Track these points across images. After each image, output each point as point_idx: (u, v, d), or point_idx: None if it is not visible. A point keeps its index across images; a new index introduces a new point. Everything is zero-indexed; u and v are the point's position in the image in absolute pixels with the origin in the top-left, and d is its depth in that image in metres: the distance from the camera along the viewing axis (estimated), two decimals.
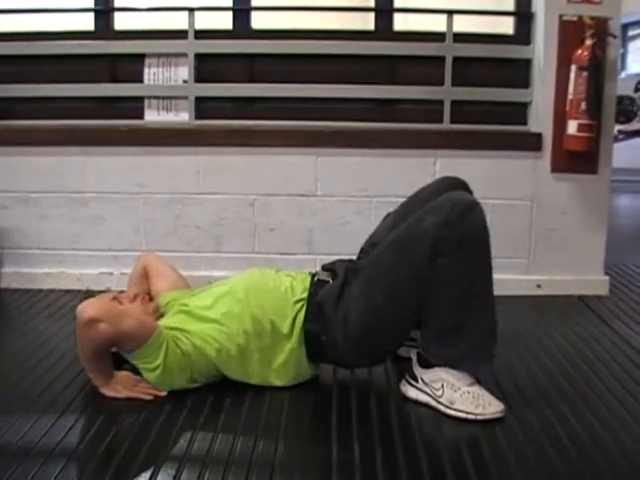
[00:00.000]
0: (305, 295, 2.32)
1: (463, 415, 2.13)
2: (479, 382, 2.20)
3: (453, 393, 2.16)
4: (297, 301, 2.31)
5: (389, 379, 2.43)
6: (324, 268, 2.46)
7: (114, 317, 2.14)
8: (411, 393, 2.26)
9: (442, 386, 2.17)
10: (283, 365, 2.30)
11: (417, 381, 2.25)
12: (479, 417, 2.11)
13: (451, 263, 2.09)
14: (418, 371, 2.25)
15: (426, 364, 2.23)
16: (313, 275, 2.41)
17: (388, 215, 2.56)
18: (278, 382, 2.32)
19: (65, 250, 3.47)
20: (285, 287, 2.35)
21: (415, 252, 2.14)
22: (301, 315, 2.28)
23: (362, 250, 2.53)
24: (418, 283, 2.15)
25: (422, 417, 2.17)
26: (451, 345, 2.17)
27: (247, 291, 2.34)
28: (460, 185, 2.45)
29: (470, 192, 2.43)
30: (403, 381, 2.30)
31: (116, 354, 2.26)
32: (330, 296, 2.28)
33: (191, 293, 2.52)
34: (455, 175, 2.55)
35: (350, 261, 2.46)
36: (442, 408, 2.16)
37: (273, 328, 2.27)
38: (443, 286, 2.12)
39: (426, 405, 2.21)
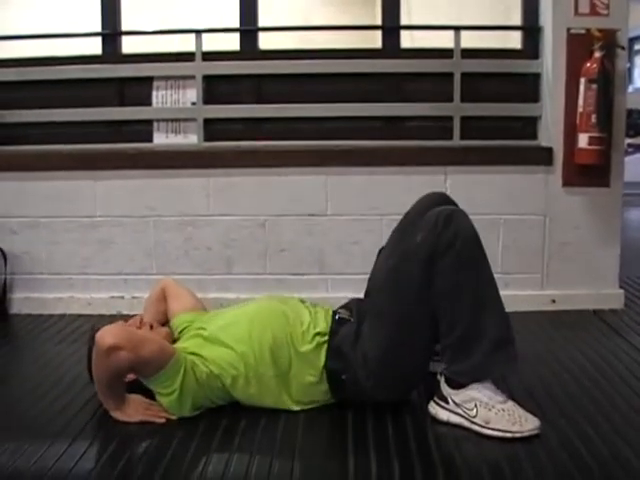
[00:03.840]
0: (326, 330, 2.31)
1: (500, 434, 2.08)
2: (512, 398, 2.16)
3: (488, 412, 2.11)
4: (318, 334, 2.29)
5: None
6: (342, 307, 2.45)
7: (134, 343, 2.12)
8: (442, 415, 2.21)
9: (475, 406, 2.13)
10: (302, 393, 2.28)
11: (448, 402, 2.20)
12: (517, 435, 2.07)
13: (448, 266, 2.11)
14: (447, 392, 2.20)
15: (455, 384, 2.18)
16: (334, 312, 2.40)
17: (382, 249, 2.54)
18: (295, 407, 2.30)
19: (75, 275, 3.46)
20: (306, 317, 2.34)
21: (412, 271, 2.15)
22: (323, 350, 2.27)
23: (367, 291, 2.52)
24: (424, 299, 2.15)
25: (441, 436, 2.14)
26: (473, 353, 2.13)
27: (267, 316, 2.33)
28: (443, 199, 2.45)
29: (454, 204, 2.41)
30: (432, 403, 2.25)
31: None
32: (346, 339, 2.27)
33: (208, 316, 2.50)
34: (443, 192, 2.59)
35: (361, 300, 2.48)
36: (477, 428, 2.12)
37: (293, 354, 2.25)
38: (448, 293, 2.12)
39: (459, 426, 2.16)
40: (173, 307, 2.65)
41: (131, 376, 2.25)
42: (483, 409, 2.12)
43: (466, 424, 2.15)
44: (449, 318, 2.14)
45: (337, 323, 2.33)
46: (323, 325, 2.32)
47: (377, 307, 2.26)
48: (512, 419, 2.09)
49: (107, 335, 2.12)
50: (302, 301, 2.47)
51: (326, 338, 2.28)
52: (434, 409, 2.23)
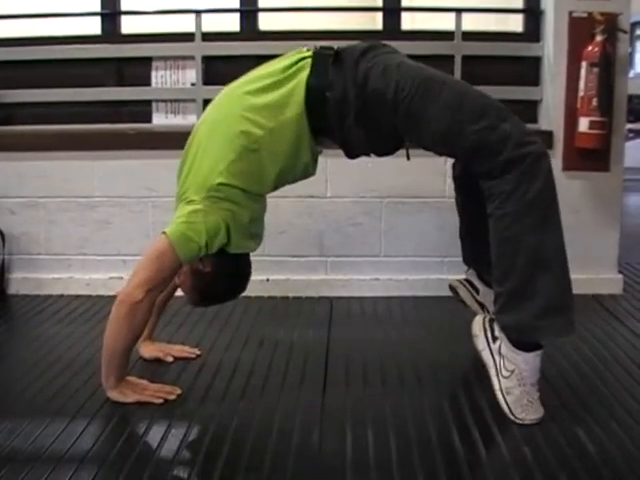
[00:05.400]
0: (304, 56, 2.23)
1: (506, 409, 2.09)
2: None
3: (516, 385, 2.09)
4: (294, 62, 2.22)
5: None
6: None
7: (148, 281, 2.15)
8: (480, 344, 2.19)
9: (513, 372, 2.10)
10: (289, 139, 2.21)
11: (495, 341, 2.15)
12: (517, 421, 2.07)
13: (507, 189, 2.02)
14: (502, 338, 2.13)
15: (513, 341, 2.11)
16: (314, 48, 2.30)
17: None
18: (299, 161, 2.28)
19: (74, 255, 3.45)
20: (273, 63, 2.29)
21: (481, 123, 2.06)
22: (303, 72, 2.19)
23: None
24: (456, 135, 2.09)
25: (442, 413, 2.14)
26: (522, 310, 2.06)
27: (224, 103, 2.31)
28: None
29: None
30: (482, 322, 2.21)
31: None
32: (352, 52, 2.19)
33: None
34: None
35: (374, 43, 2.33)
36: (495, 384, 2.12)
37: (262, 95, 2.21)
38: (498, 235, 2.07)
39: (482, 365, 2.16)
40: None
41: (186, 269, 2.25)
42: (515, 380, 2.09)
43: (491, 372, 2.14)
44: (503, 267, 2.08)
45: (320, 48, 2.27)
46: (297, 57, 2.25)
47: (429, 77, 2.16)
48: (526, 408, 2.08)
49: (128, 294, 2.15)
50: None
51: (308, 60, 2.22)
52: (479, 331, 2.21)
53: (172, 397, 2.23)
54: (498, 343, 2.15)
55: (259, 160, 2.21)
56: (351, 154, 2.33)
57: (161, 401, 2.21)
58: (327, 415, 2.17)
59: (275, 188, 2.33)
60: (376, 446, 1.96)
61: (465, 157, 2.16)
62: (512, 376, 2.11)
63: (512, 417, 2.08)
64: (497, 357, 2.14)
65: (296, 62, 2.23)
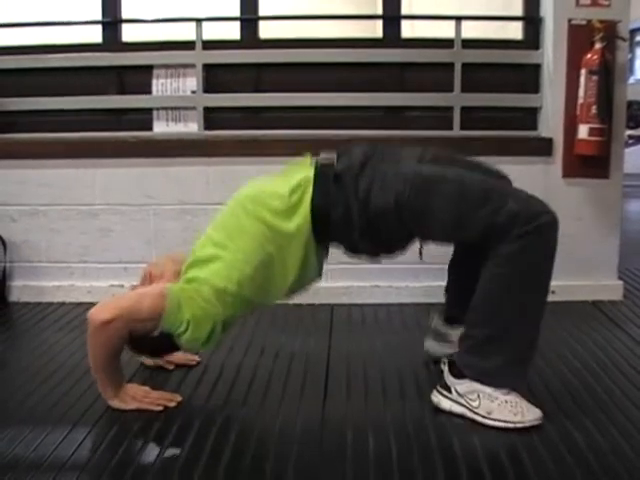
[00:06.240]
0: (306, 177, 2.24)
1: (502, 425, 2.09)
2: (514, 389, 2.16)
3: (490, 403, 2.12)
4: (298, 183, 2.23)
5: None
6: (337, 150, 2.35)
7: (125, 309, 2.14)
8: (445, 405, 2.21)
9: (478, 397, 2.14)
10: (298, 253, 2.22)
11: (450, 392, 2.20)
12: (518, 425, 2.08)
13: (510, 259, 2.06)
14: (451, 381, 2.20)
15: (459, 374, 2.18)
16: (314, 163, 2.31)
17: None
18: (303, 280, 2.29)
19: (75, 263, 3.46)
20: (280, 179, 2.30)
21: (485, 209, 2.09)
22: (307, 195, 2.21)
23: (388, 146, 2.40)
24: (463, 226, 2.13)
25: (440, 426, 2.14)
26: (491, 356, 2.13)
27: (238, 203, 2.31)
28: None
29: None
30: (435, 392, 2.25)
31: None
32: (351, 169, 2.21)
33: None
34: None
35: (373, 144, 2.36)
36: (479, 419, 2.13)
37: (273, 216, 2.21)
38: (493, 288, 2.11)
39: (461, 416, 2.17)
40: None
41: (148, 361, 2.27)
42: (486, 400, 2.13)
43: (468, 414, 2.15)
44: (486, 312, 2.13)
45: (321, 167, 2.27)
46: (301, 174, 2.26)
47: (427, 177, 2.18)
48: (514, 410, 2.10)
49: (97, 312, 2.14)
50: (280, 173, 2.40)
51: (310, 181, 2.23)
52: (437, 398, 2.23)
53: (172, 404, 2.24)
54: (453, 390, 2.20)
55: (271, 274, 2.23)
56: (359, 257, 2.39)
57: (160, 408, 2.22)
58: (328, 422, 2.17)
59: (280, 298, 2.35)
60: (377, 454, 1.97)
61: (477, 242, 2.16)
62: (481, 399, 2.14)
63: (512, 425, 2.09)
64: (461, 400, 2.18)
65: (299, 184, 2.24)
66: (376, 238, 2.24)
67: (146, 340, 2.23)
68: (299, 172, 2.29)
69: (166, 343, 2.23)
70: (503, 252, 2.06)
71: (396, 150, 2.33)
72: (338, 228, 2.22)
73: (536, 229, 2.05)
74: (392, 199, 2.14)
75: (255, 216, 2.22)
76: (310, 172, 2.26)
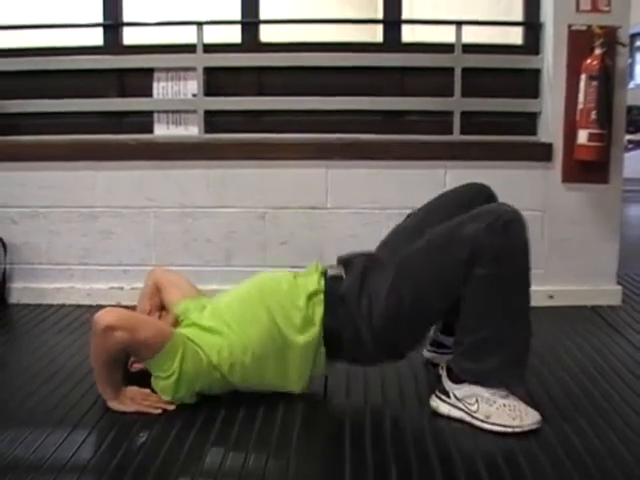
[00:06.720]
0: (318, 289, 2.29)
1: (501, 429, 2.10)
2: (513, 393, 2.17)
3: (489, 407, 2.13)
4: (310, 295, 2.28)
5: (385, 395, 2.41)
6: (339, 261, 2.43)
7: (132, 324, 2.15)
8: (443, 409, 2.21)
9: (476, 401, 2.14)
10: (299, 363, 2.27)
11: (449, 397, 2.20)
12: (517, 429, 2.09)
13: (489, 274, 2.07)
14: (449, 386, 2.21)
15: (456, 379, 2.19)
16: (323, 272, 2.37)
17: (409, 216, 2.53)
18: (294, 386, 2.31)
19: (75, 265, 3.46)
20: (296, 284, 2.33)
21: (452, 256, 2.12)
22: (318, 311, 2.26)
23: (381, 246, 2.50)
24: (449, 286, 2.14)
25: (438, 430, 2.15)
26: (488, 358, 2.13)
27: (258, 294, 2.32)
28: (490, 195, 2.46)
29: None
30: (433, 397, 2.25)
31: (126, 369, 2.27)
32: (352, 290, 2.25)
33: (201, 305, 2.48)
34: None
35: (368, 255, 2.42)
36: (478, 423, 2.13)
37: (287, 324, 2.25)
38: (478, 297, 2.10)
39: (460, 420, 2.17)
40: (170, 296, 2.60)
41: (137, 365, 2.27)
42: (484, 404, 2.13)
43: (467, 419, 2.16)
44: (479, 317, 2.13)
45: (329, 281, 2.32)
46: (313, 286, 2.30)
47: (401, 269, 2.21)
48: (513, 414, 2.11)
49: (105, 315, 2.15)
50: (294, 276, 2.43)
51: (321, 297, 2.28)
52: (435, 402, 2.24)
53: (171, 407, 2.24)
54: (452, 394, 2.20)
55: (264, 372, 2.29)
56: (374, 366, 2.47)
57: (159, 411, 2.22)
58: (327, 425, 2.19)
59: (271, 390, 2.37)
60: (375, 457, 1.97)
61: (471, 265, 2.13)
62: (479, 403, 2.14)
63: (511, 429, 2.09)
64: (460, 404, 2.18)
65: (311, 296, 2.28)
66: (392, 345, 2.28)
67: (125, 367, 2.30)
68: (310, 279, 2.34)
69: (140, 378, 2.28)
70: (481, 272, 2.08)
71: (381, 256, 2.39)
72: (350, 346, 2.26)
73: (503, 229, 2.06)
74: (393, 305, 2.18)
75: (270, 317, 2.26)
76: (321, 282, 2.32)
